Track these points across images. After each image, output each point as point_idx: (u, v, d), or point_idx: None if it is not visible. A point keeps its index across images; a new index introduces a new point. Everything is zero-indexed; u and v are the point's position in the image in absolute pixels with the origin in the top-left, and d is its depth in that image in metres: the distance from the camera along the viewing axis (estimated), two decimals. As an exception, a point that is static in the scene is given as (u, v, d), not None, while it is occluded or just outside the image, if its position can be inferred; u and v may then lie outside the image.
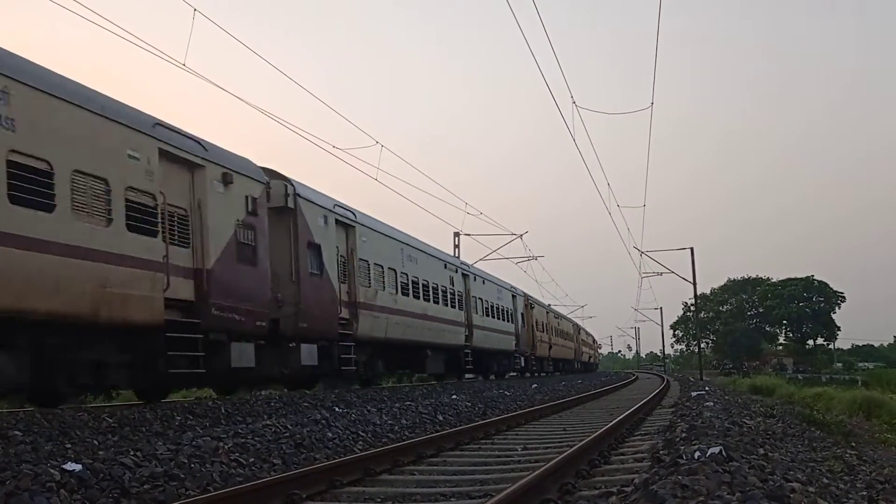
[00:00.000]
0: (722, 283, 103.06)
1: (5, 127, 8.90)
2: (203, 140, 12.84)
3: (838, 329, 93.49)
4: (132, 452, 6.39)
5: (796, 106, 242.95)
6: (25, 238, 9.04)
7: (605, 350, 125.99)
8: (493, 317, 31.60)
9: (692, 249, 45.56)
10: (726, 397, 18.77)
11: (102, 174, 10.37)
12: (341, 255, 17.71)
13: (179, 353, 11.58)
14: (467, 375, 29.51)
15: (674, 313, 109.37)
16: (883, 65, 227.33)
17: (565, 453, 6.76)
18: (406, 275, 21.68)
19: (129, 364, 11.42)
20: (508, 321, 34.14)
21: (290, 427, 8.62)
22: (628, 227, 77.77)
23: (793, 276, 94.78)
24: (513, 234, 40.24)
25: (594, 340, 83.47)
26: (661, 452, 6.66)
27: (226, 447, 7.06)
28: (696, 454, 5.49)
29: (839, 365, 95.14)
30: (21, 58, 9.58)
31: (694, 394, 17.42)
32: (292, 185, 15.51)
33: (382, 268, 20.00)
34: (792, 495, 4.47)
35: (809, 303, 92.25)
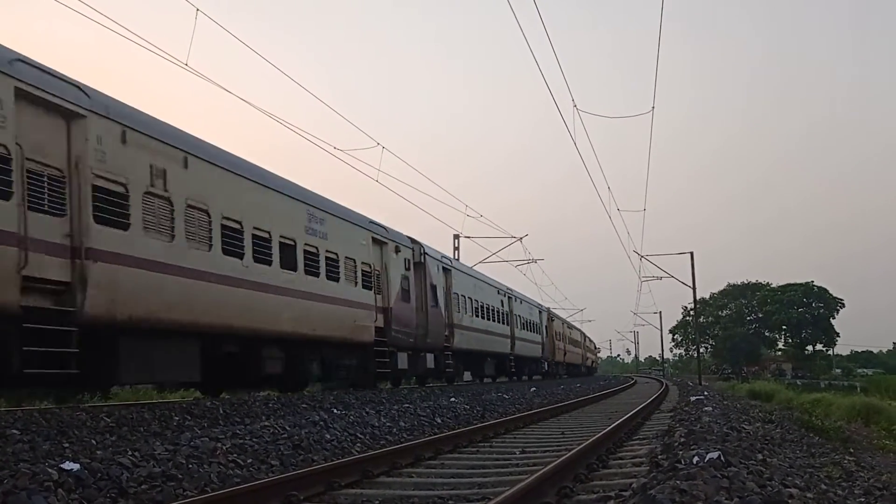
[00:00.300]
0: (722, 288, 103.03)
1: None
2: (386, 226, 20.06)
3: (837, 335, 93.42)
4: (130, 452, 6.39)
5: (797, 111, 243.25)
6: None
7: (603, 354, 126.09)
8: (528, 330, 38.67)
9: (692, 254, 45.54)
10: (725, 402, 18.78)
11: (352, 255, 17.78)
12: (444, 291, 24.59)
13: (378, 360, 18.73)
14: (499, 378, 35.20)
15: (673, 318, 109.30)
16: (883, 70, 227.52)
17: (563, 457, 6.76)
18: (477, 301, 28.62)
19: (355, 366, 18.32)
20: (537, 333, 41.29)
21: (288, 428, 8.61)
22: (628, 230, 77.87)
23: (792, 282, 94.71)
24: (513, 237, 40.29)
25: (595, 345, 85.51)
26: (659, 457, 6.66)
27: (224, 448, 7.05)
28: (695, 459, 5.49)
29: (838, 371, 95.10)
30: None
31: (693, 398, 17.42)
32: (423, 247, 22.60)
33: (465, 297, 26.96)
34: (790, 501, 4.47)
35: (809, 308, 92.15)
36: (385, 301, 19.22)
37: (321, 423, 9.39)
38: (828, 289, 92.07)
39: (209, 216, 12.40)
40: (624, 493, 5.32)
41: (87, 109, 10.20)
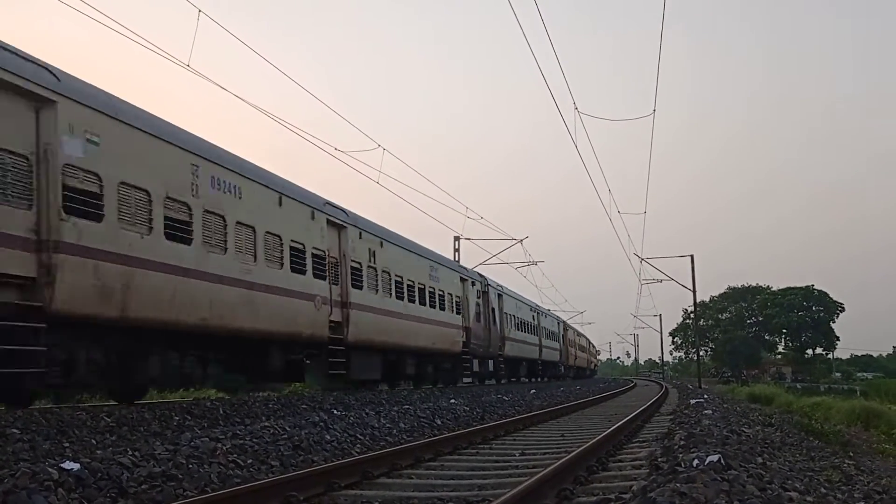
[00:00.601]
0: (722, 291, 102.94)
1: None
2: (467, 267, 28.96)
3: (837, 339, 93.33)
4: (130, 452, 6.39)
5: (797, 115, 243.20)
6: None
7: (603, 356, 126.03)
8: (550, 339, 45.78)
9: (692, 257, 45.55)
10: (725, 405, 18.76)
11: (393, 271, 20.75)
12: (499, 311, 32.09)
13: (464, 365, 26.52)
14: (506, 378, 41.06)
15: (673, 320, 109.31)
16: (885, 75, 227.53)
17: (563, 459, 6.76)
18: (518, 318, 36.39)
19: (450, 369, 25.88)
20: (556, 341, 48.44)
21: (288, 429, 8.61)
22: (629, 233, 77.90)
23: (793, 285, 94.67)
24: (513, 239, 40.33)
25: (595, 348, 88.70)
26: (659, 460, 6.66)
27: (224, 448, 7.05)
28: (695, 462, 5.49)
29: (838, 375, 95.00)
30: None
31: (692, 401, 17.41)
32: (486, 280, 30.99)
33: (511, 315, 34.70)
34: (789, 504, 4.47)
35: (809, 312, 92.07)
36: (466, 322, 26.77)
37: (321, 423, 9.39)
38: (828, 292, 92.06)
39: (390, 275, 20.17)
40: (624, 496, 5.32)
41: (467, 277, 24.75)
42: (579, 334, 65.52)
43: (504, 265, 41.73)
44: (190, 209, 11.88)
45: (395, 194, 63.34)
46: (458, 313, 25.80)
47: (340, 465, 6.75)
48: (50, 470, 5.40)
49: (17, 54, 9.21)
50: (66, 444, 7.72)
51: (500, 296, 32.72)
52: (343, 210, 17.59)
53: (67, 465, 5.56)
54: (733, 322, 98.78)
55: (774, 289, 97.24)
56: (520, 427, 12.04)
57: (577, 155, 22.52)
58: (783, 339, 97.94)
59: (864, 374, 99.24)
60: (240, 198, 13.17)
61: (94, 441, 8.04)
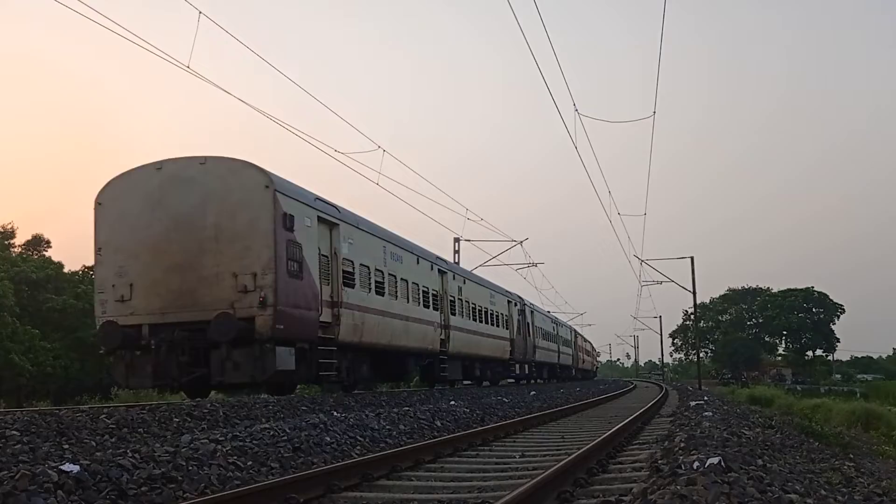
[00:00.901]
0: (722, 293, 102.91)
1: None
2: (511, 291, 35.58)
3: (837, 340, 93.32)
4: (130, 454, 6.38)
5: (800, 119, 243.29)
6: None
7: (603, 358, 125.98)
8: (566, 346, 53.04)
9: (692, 259, 45.54)
10: (725, 407, 18.74)
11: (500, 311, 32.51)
12: (532, 325, 38.96)
13: (510, 369, 34.42)
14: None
15: (673, 322, 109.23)
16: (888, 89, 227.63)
17: (563, 461, 6.75)
18: (543, 329, 43.59)
19: (500, 372, 33.01)
20: (569, 347, 55.30)
21: (288, 431, 8.60)
22: (629, 235, 77.94)
23: (793, 287, 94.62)
24: (513, 241, 40.36)
25: (597, 352, 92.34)
26: (659, 462, 6.65)
27: (224, 450, 7.05)
28: (695, 464, 5.48)
29: (838, 376, 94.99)
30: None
31: (693, 403, 17.40)
32: (524, 300, 37.77)
33: (539, 328, 41.76)
34: (790, 507, 4.47)
35: (809, 314, 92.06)
36: (511, 335, 33.90)
37: (321, 425, 9.38)
38: (828, 294, 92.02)
39: (473, 305, 28.05)
40: (624, 499, 5.31)
41: (515, 301, 32.76)
42: (585, 340, 73.30)
43: (504, 266, 41.85)
44: (383, 274, 18.65)
45: (396, 196, 63.55)
46: (506, 328, 33.25)
47: (340, 467, 6.74)
48: (49, 472, 5.39)
49: (325, 202, 15.98)
50: (66, 446, 7.71)
51: (532, 312, 40.03)
52: (445, 261, 26.10)
53: (67, 466, 5.55)
54: (733, 324, 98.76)
55: (774, 290, 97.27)
56: (520, 429, 12.03)
57: (578, 157, 22.62)
58: (783, 341, 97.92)
59: (865, 375, 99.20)
60: (401, 262, 20.14)
61: (93, 443, 8.03)
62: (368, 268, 17.60)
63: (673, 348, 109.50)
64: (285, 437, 8.23)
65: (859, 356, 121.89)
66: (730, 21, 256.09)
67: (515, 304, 35.83)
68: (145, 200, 13.81)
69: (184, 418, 10.33)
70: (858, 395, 49.24)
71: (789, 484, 6.18)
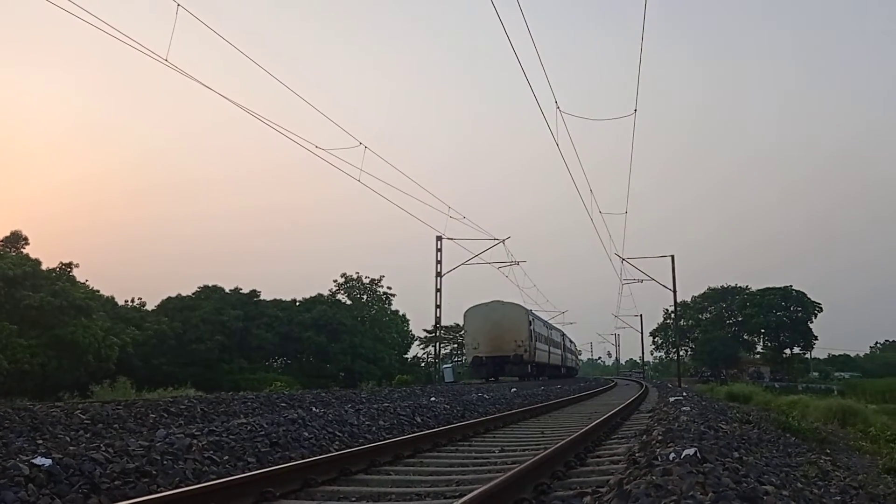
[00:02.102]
0: (702, 292, 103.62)
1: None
2: (563, 330, 71.38)
3: (815, 338, 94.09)
4: (104, 448, 6.30)
5: (782, 116, 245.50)
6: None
7: (584, 356, 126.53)
8: (555, 347, 59.74)
9: (672, 257, 45.92)
10: (703, 403, 18.86)
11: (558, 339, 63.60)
12: (534, 331, 47.68)
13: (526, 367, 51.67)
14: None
15: (654, 321, 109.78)
16: (862, 68, 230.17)
17: (541, 454, 6.75)
18: (541, 333, 51.21)
19: (560, 375, 63.08)
20: (558, 349, 62.95)
21: (265, 426, 8.54)
22: (610, 233, 78.32)
23: (772, 286, 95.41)
24: (495, 239, 40.53)
25: (578, 350, 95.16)
26: (636, 454, 6.66)
27: (200, 445, 6.98)
28: (671, 456, 5.49)
29: (815, 374, 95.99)
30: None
31: (671, 399, 17.49)
32: (530, 310, 48.27)
33: (538, 332, 49.31)
34: (765, 497, 4.48)
35: (787, 312, 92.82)
36: (562, 352, 61.70)
37: (299, 421, 9.32)
38: (806, 293, 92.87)
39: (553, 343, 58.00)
40: (601, 490, 5.31)
41: (531, 314, 47.62)
42: (571, 341, 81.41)
43: (486, 265, 41.97)
44: (545, 336, 52.15)
45: (377, 193, 63.11)
46: (559, 349, 56.91)
47: (318, 462, 6.69)
48: (21, 465, 5.31)
49: (532, 311, 48.83)
50: (40, 441, 7.62)
51: (533, 319, 47.66)
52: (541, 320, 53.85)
53: (39, 460, 5.47)
54: (713, 322, 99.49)
55: (754, 289, 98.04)
56: (500, 425, 12.03)
57: (560, 155, 22.81)
58: (762, 339, 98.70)
59: (842, 373, 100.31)
60: (542, 326, 52.20)
61: (67, 438, 7.94)
62: (536, 332, 47.27)
63: (654, 346, 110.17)
64: (262, 432, 8.18)
65: (836, 354, 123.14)
66: (712, 18, 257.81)
67: (527, 314, 45.68)
68: (483, 314, 45.20)
69: (160, 414, 10.25)
70: (836, 392, 49.80)
71: (765, 476, 6.22)
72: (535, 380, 43.70)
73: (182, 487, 5.52)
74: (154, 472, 5.93)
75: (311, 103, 21.83)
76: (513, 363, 44.28)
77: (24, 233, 46.82)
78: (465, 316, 46.47)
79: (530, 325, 45.10)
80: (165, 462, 6.28)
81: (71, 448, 6.45)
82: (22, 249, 46.05)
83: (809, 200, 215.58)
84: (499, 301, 45.34)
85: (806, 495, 6.34)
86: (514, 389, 24.61)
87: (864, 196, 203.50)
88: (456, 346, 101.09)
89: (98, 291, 52.10)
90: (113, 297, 57.62)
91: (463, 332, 52.85)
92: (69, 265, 45.78)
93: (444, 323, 47.95)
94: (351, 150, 20.89)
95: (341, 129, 21.32)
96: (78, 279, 46.90)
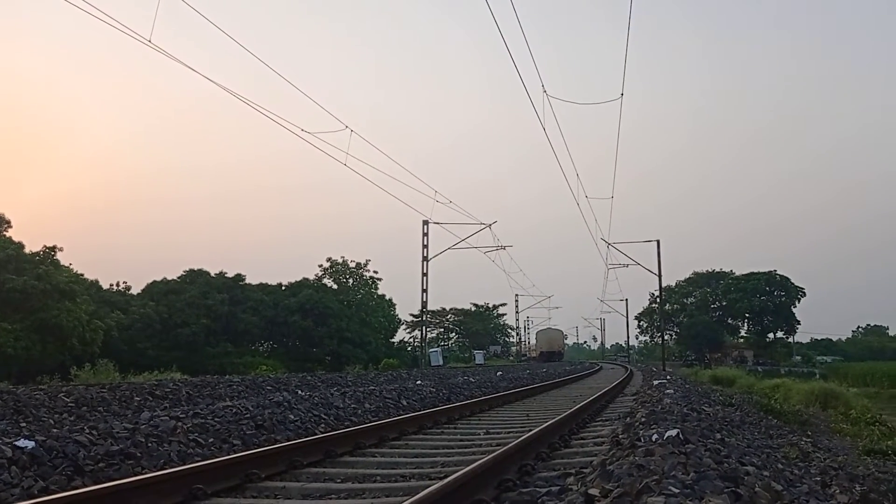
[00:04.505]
0: (687, 276, 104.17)
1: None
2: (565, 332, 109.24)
3: (798, 323, 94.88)
4: (88, 431, 6.28)
5: (763, 102, 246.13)
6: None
7: (570, 340, 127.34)
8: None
9: (658, 242, 46.03)
10: (687, 387, 19.03)
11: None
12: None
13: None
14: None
15: (639, 305, 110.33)
16: (848, 61, 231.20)
17: (524, 436, 6.79)
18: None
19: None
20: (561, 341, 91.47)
21: (251, 409, 8.54)
22: (596, 218, 78.62)
23: (756, 271, 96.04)
24: (482, 224, 40.59)
25: (564, 335, 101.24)
26: (620, 436, 6.71)
27: (184, 427, 6.97)
28: (654, 437, 5.54)
29: (798, 358, 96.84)
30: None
31: (655, 382, 17.63)
32: (562, 332, 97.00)
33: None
34: (746, 478, 4.53)
35: (771, 297, 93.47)
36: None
37: (285, 403, 9.33)
38: (789, 278, 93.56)
39: None
40: (584, 471, 5.35)
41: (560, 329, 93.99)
42: (559, 330, 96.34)
43: (472, 249, 42.02)
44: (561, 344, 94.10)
45: (363, 176, 62.84)
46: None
47: (303, 444, 6.69)
48: (3, 448, 5.29)
49: (558, 329, 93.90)
50: (24, 424, 7.58)
51: (563, 337, 75.63)
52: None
53: (22, 442, 5.45)
54: (698, 306, 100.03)
55: (738, 274, 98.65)
56: (486, 408, 12.09)
57: (546, 139, 22.83)
58: (746, 324, 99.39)
59: (824, 357, 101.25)
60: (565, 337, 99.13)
61: (52, 420, 7.91)
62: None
63: (639, 331, 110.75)
64: (248, 415, 8.17)
65: (819, 338, 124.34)
66: (698, 3, 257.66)
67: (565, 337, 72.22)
68: (543, 333, 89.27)
69: (145, 397, 10.23)
70: (818, 375, 50.31)
71: (747, 457, 6.29)
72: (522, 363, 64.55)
73: (167, 469, 5.51)
74: (139, 455, 5.92)
75: (296, 86, 21.78)
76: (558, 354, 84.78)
77: (7, 216, 46.40)
78: (536, 334, 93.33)
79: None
80: (150, 444, 6.27)
81: (54, 430, 6.42)
82: (5, 233, 45.62)
83: (796, 190, 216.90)
84: (550, 327, 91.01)
85: (786, 475, 6.42)
86: (499, 373, 24.71)
87: (848, 187, 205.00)
88: (443, 330, 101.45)
89: (82, 275, 51.75)
90: (97, 281, 57.30)
91: (535, 340, 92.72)
92: (53, 248, 45.37)
93: (430, 307, 47.84)
94: (337, 133, 20.81)
95: (327, 112, 21.33)
96: (62, 263, 46.55)
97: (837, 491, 6.43)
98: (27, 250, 43.94)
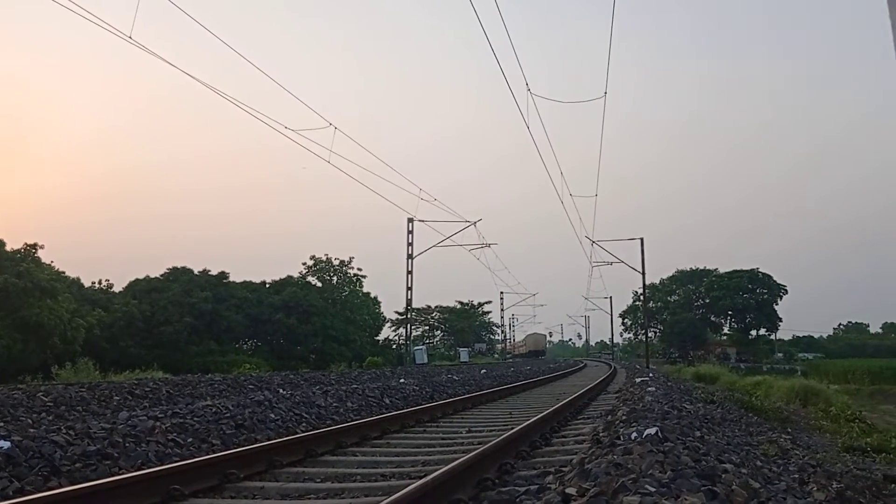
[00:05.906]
0: (671, 274, 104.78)
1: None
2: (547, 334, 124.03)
3: (780, 320, 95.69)
4: (65, 430, 6.22)
5: (747, 102, 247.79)
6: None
7: (555, 338, 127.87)
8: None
9: (642, 240, 46.29)
10: (669, 384, 19.12)
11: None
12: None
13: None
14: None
15: (623, 303, 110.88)
16: (830, 64, 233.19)
17: (505, 434, 6.80)
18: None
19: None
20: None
21: (231, 408, 8.49)
22: (580, 215, 79.06)
23: (739, 269, 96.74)
24: (466, 221, 40.62)
25: (549, 332, 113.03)
26: (600, 434, 6.74)
27: (163, 427, 6.92)
28: (633, 435, 5.56)
29: (780, 355, 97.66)
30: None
31: (638, 380, 17.70)
32: (546, 336, 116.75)
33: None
34: (723, 475, 4.55)
35: (753, 294, 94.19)
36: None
37: (266, 402, 9.29)
38: (772, 275, 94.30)
39: None
40: (563, 469, 5.36)
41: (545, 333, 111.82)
42: (543, 334, 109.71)
43: (457, 247, 42.06)
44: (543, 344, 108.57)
45: (347, 174, 62.46)
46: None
47: (283, 443, 6.66)
48: (-23, 449, 5.23)
49: (543, 335, 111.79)
50: (1, 424, 7.49)
51: (546, 339, 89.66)
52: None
53: (-4, 443, 5.39)
54: (682, 304, 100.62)
55: (721, 272, 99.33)
56: (469, 406, 12.09)
57: (530, 137, 22.73)
58: (728, 321, 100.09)
59: (806, 354, 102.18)
60: (549, 338, 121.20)
61: (29, 420, 7.83)
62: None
63: (623, 328, 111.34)
64: (228, 414, 8.13)
65: (801, 336, 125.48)
66: (700, 3, 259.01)
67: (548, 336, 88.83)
68: (530, 336, 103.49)
69: (124, 396, 10.15)
70: (799, 373, 50.76)
71: (725, 455, 6.33)
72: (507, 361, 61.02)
73: (144, 469, 5.47)
74: (116, 455, 5.87)
75: (279, 83, 21.71)
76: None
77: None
78: (525, 337, 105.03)
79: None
80: (128, 444, 6.22)
81: (31, 430, 6.36)
82: (-16, 230, 45.12)
83: (780, 191, 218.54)
84: (536, 332, 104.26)
85: (764, 473, 6.46)
86: (483, 371, 24.73)
87: (831, 186, 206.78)
88: (428, 327, 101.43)
89: (64, 273, 51.33)
90: (79, 279, 56.84)
91: (524, 341, 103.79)
92: (34, 246, 44.96)
93: (415, 305, 47.76)
94: (321, 130, 20.75)
95: (311, 109, 21.17)
96: (43, 260, 46.12)
97: (815, 488, 6.48)
98: (8, 248, 43.51)
